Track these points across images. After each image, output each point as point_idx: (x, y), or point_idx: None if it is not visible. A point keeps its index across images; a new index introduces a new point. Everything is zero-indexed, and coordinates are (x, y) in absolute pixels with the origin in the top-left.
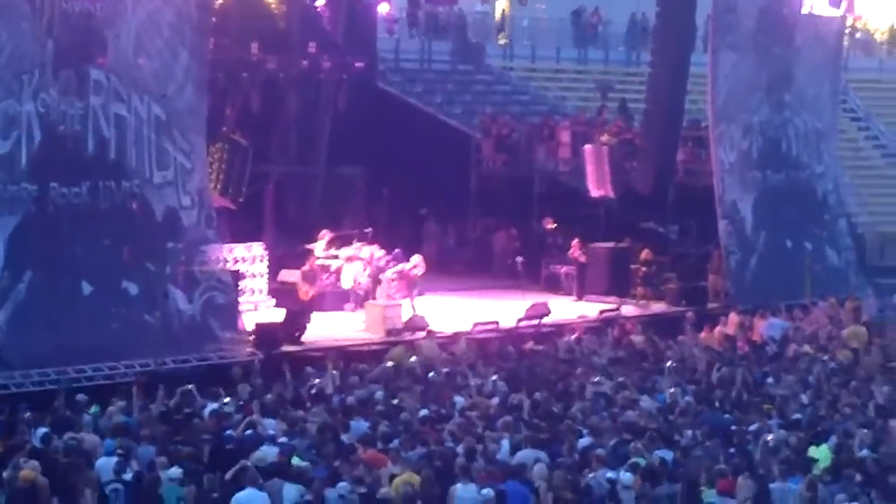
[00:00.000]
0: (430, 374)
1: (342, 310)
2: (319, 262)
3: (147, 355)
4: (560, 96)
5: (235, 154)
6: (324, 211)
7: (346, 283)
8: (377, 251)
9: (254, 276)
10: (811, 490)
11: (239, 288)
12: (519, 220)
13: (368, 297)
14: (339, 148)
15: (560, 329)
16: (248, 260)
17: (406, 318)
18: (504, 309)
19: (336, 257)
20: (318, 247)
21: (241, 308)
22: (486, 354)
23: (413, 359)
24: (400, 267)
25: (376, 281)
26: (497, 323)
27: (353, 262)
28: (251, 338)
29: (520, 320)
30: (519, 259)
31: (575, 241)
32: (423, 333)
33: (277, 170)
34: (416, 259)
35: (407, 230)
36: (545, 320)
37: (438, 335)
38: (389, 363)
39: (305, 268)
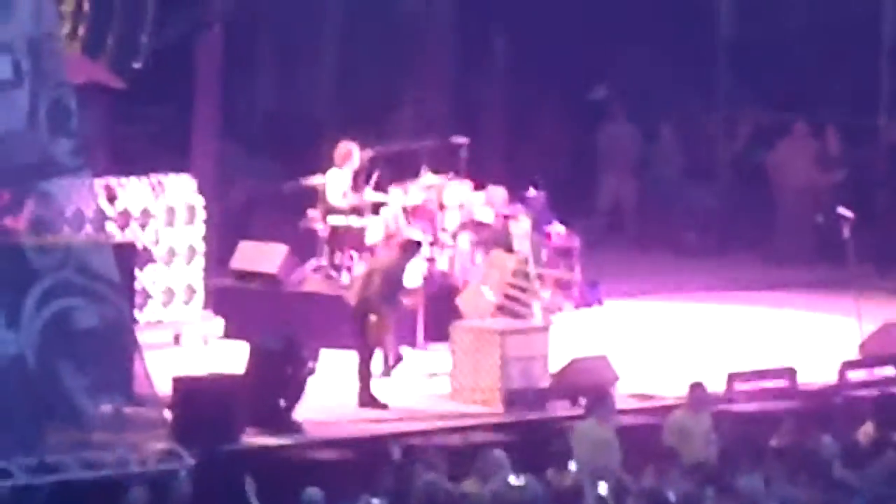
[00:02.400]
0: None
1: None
2: (336, 220)
3: None
4: None
5: None
6: (352, 97)
7: (409, 277)
8: (485, 195)
9: (171, 256)
10: None
11: (136, 288)
12: (835, 107)
13: (459, 312)
14: None
15: None
16: (160, 215)
17: (561, 367)
18: (804, 336)
19: (382, 208)
20: (335, 182)
21: (140, 339)
22: (759, 450)
23: (573, 468)
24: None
25: (486, 272)
26: (790, 373)
27: (422, 219)
28: (169, 415)
29: (848, 367)
30: (843, 212)
31: None
32: (589, 405)
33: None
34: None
35: (558, 143)
36: None
37: (634, 405)
38: None
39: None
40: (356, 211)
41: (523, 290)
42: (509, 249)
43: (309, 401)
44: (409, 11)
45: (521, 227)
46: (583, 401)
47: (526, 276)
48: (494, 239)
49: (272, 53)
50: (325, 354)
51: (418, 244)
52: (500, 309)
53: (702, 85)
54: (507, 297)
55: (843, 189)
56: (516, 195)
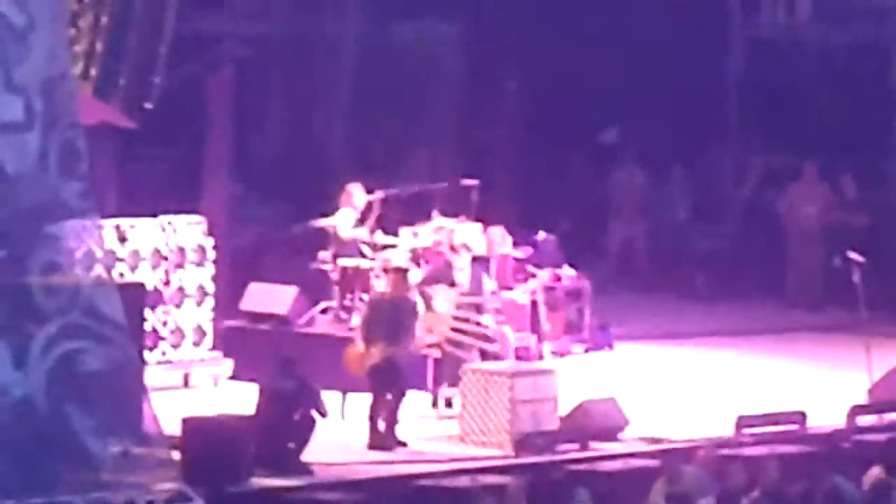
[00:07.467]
0: None
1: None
2: (347, 262)
3: None
4: None
5: None
6: (363, 139)
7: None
8: (496, 236)
9: (181, 297)
10: None
11: (146, 328)
12: (847, 150)
13: (469, 354)
14: None
15: None
16: (170, 257)
17: (571, 410)
18: (813, 380)
19: (390, 250)
20: (344, 220)
21: (150, 380)
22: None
23: None
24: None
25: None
26: (800, 417)
27: (428, 262)
28: (178, 456)
29: (858, 411)
30: (853, 256)
31: None
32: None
33: (245, 31)
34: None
35: (568, 186)
36: None
37: (640, 450)
38: None
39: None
40: (365, 253)
41: (467, 320)
42: (451, 284)
43: (317, 442)
44: (421, 54)
45: (462, 260)
46: (592, 444)
47: (470, 308)
48: (436, 275)
49: (283, 95)
50: (332, 396)
51: (404, 270)
52: (449, 342)
53: (711, 128)
54: (453, 329)
55: (854, 233)
56: (527, 238)
